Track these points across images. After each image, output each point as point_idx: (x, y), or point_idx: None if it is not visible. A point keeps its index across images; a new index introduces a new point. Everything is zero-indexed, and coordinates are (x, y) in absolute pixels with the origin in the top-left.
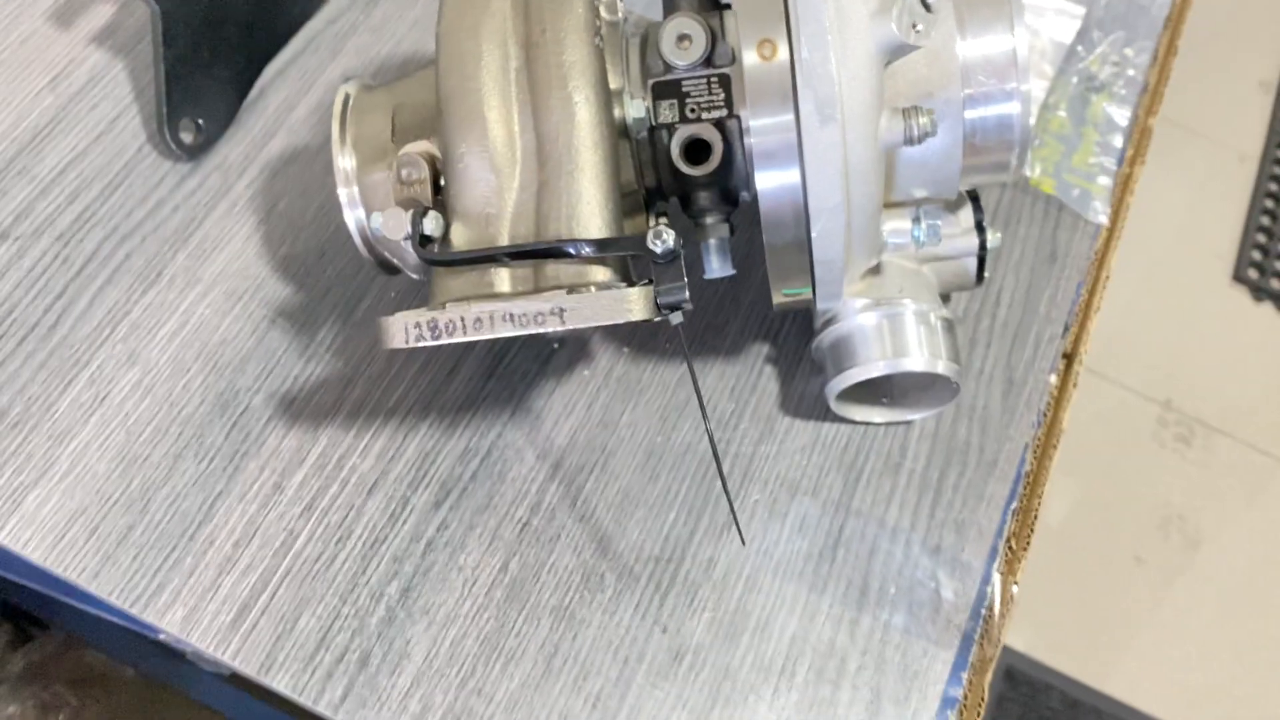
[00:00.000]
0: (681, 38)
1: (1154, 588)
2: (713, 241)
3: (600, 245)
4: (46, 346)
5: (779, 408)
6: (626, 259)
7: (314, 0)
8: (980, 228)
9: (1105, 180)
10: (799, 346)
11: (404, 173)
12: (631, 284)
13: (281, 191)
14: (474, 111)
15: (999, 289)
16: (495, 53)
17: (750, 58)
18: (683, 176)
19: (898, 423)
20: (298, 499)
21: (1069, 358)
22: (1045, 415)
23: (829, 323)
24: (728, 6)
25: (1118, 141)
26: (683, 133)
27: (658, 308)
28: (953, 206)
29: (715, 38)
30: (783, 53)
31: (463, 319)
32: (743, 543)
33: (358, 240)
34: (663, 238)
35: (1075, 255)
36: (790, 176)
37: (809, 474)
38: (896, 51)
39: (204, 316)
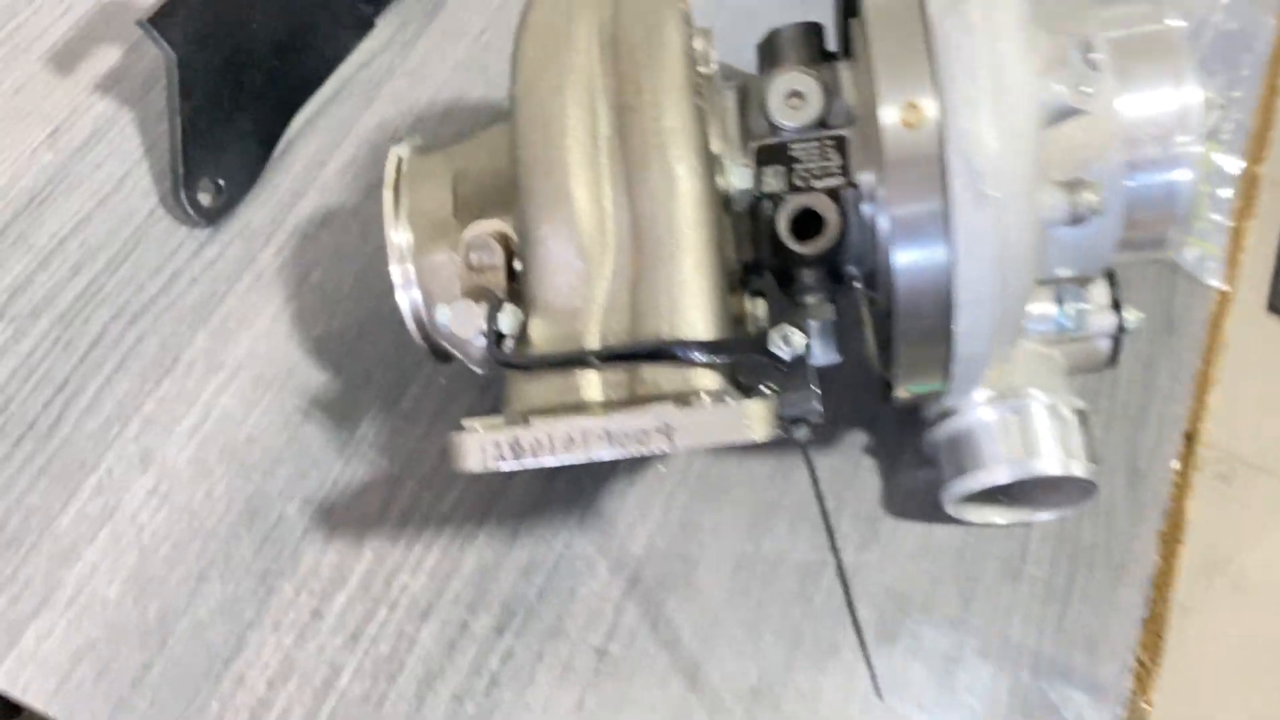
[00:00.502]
0: (792, 95)
1: (1203, 640)
2: (815, 324)
3: (713, 349)
4: (47, 448)
5: (881, 506)
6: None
7: (344, 42)
8: (1117, 305)
9: (1220, 238)
10: (899, 433)
11: (474, 257)
12: (747, 390)
13: (314, 260)
14: (559, 186)
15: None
16: (583, 117)
17: (889, 118)
18: (787, 252)
19: (1019, 523)
20: (340, 626)
21: (1189, 438)
22: (1169, 505)
23: (945, 415)
24: (835, 56)
25: (1227, 194)
26: (792, 204)
27: (782, 422)
28: (1083, 280)
29: (830, 95)
30: (929, 116)
31: (550, 437)
32: (879, 697)
33: (411, 325)
34: (790, 340)
35: (1193, 324)
36: (933, 259)
37: (920, 585)
38: (1059, 115)
39: (228, 409)
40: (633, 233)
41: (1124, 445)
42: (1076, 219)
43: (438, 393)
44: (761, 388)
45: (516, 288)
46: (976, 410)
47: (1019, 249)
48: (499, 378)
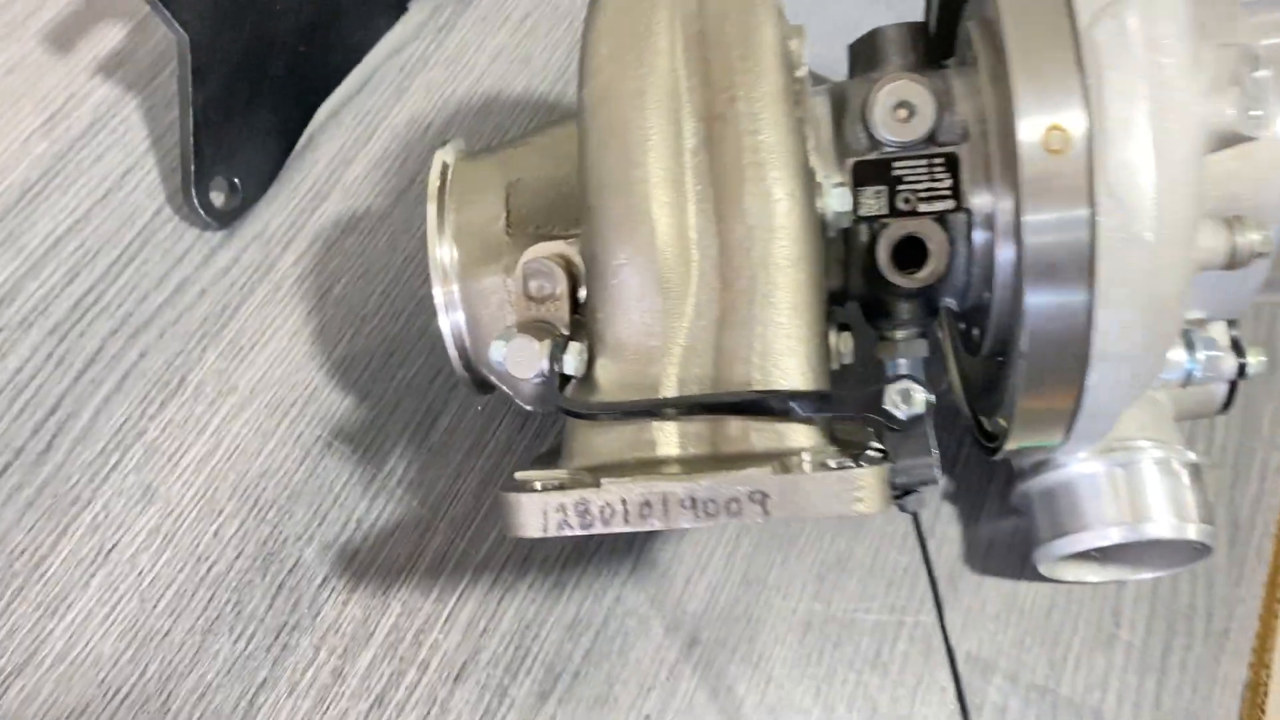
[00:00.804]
0: (900, 105)
1: None
2: (904, 362)
3: (815, 402)
4: (36, 479)
5: (963, 561)
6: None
7: (375, 27)
8: (1238, 347)
9: None
10: (980, 480)
11: (533, 285)
12: (845, 447)
13: (338, 271)
14: (637, 208)
15: None
16: (666, 128)
17: (1030, 137)
18: (884, 283)
19: (1115, 582)
20: (364, 690)
21: None
22: (1273, 563)
23: (1042, 465)
24: (944, 65)
25: None
26: (894, 229)
27: (894, 491)
28: (1205, 321)
29: (943, 107)
30: (1076, 139)
31: (625, 503)
32: None
33: (453, 353)
34: (910, 398)
35: None
36: (1069, 303)
37: (1005, 650)
38: (1223, 142)
39: (241, 438)
40: (721, 264)
41: (1223, 496)
42: (1236, 263)
43: (474, 423)
44: (868, 447)
45: (580, 320)
46: (1079, 462)
47: (1169, 296)
48: (549, 414)
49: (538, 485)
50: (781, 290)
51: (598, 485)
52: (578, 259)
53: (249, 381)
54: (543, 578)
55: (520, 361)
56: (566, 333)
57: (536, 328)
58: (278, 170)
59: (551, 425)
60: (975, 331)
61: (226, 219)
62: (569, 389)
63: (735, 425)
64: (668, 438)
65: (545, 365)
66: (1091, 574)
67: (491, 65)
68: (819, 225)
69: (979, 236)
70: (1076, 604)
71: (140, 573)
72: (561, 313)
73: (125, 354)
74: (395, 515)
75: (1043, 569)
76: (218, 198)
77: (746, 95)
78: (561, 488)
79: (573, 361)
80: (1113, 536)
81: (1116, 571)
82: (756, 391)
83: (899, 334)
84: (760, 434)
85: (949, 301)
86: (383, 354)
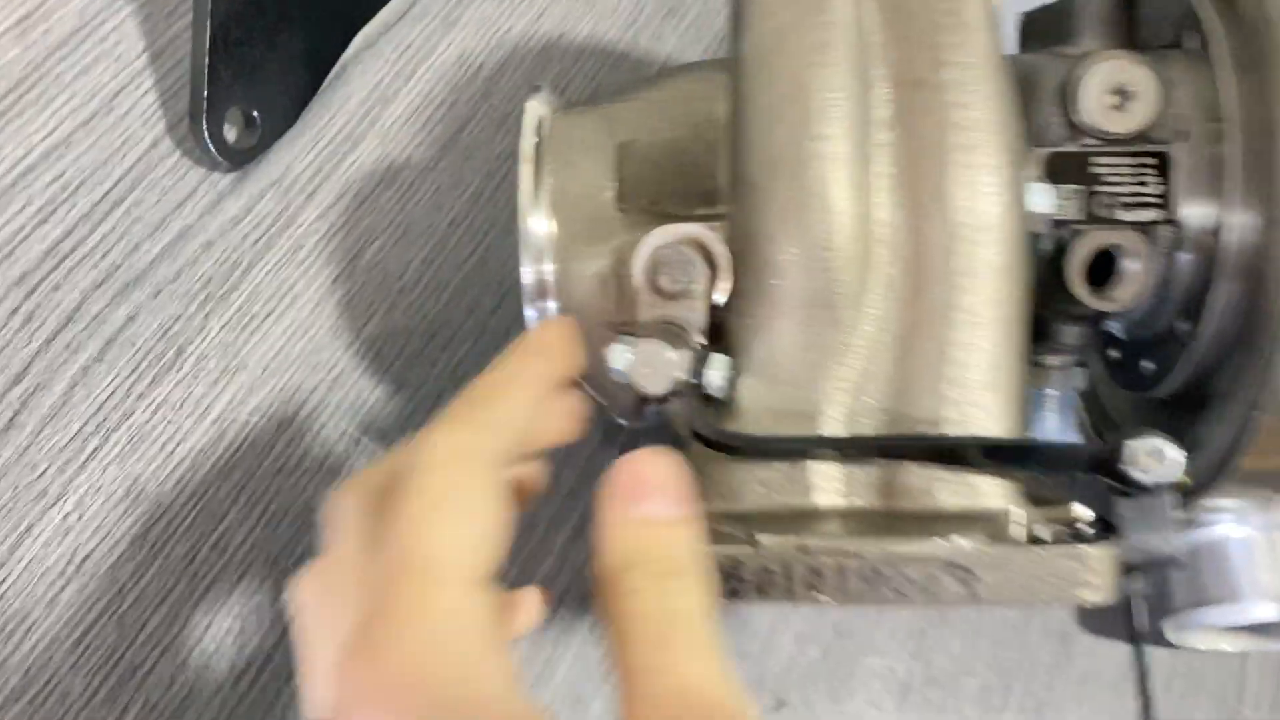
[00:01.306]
0: (1115, 90)
1: None
2: (1055, 394)
3: (1028, 456)
4: None
5: (1074, 619)
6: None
7: None
8: None
9: None
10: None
11: (665, 278)
12: (1059, 518)
13: (371, 231)
14: (814, 192)
15: None
16: (854, 93)
17: None
18: (1061, 300)
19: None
20: None
21: None
22: None
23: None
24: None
25: None
26: (1091, 240)
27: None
28: None
29: (1165, 96)
30: None
31: (788, 571)
32: None
33: None
34: (1162, 455)
35: None
36: None
37: None
38: None
39: (249, 428)
40: (912, 268)
41: None
42: None
43: None
44: (1072, 512)
45: (718, 325)
46: (1226, 522)
47: None
48: (650, 428)
49: None
50: (986, 305)
51: (753, 543)
52: (719, 248)
53: (261, 359)
54: None
55: (650, 373)
56: (703, 340)
57: (666, 331)
58: (303, 105)
59: (631, 432)
60: (1148, 365)
61: (240, 158)
62: (707, 412)
63: (916, 474)
64: (828, 483)
65: (682, 378)
66: (1225, 643)
67: (552, 4)
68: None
69: (1183, 256)
70: (1196, 675)
71: (121, 589)
72: (697, 314)
73: (110, 315)
74: None
75: (1171, 635)
76: (231, 132)
77: (956, 58)
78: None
79: (719, 378)
80: (1272, 612)
81: (1248, 642)
82: (955, 437)
83: (1056, 360)
84: (947, 487)
85: (1114, 326)
86: (423, 334)
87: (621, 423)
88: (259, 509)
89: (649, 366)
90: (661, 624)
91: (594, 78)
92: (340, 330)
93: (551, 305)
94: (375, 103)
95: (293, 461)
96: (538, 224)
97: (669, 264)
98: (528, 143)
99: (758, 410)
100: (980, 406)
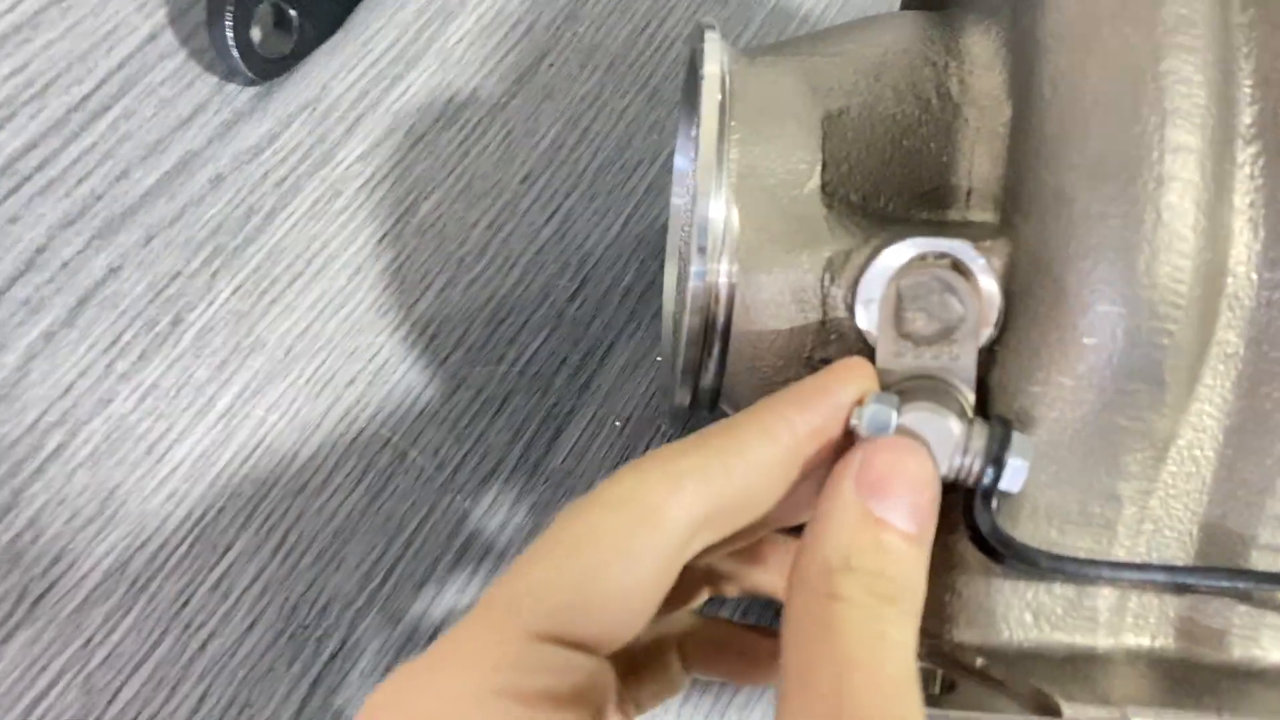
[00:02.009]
0: None
1: None
2: None
3: None
4: None
5: None
6: None
7: None
8: None
9: None
10: None
11: (919, 315)
12: None
13: (426, 180)
14: (1159, 221)
15: None
16: (1215, 93)
17: None
18: None
19: None
20: None
21: None
22: None
23: None
24: None
25: None
26: None
27: None
28: None
29: None
30: None
31: None
32: None
33: (687, 368)
34: None
35: None
36: None
37: None
38: None
39: (266, 428)
40: (1261, 340)
41: None
42: None
43: (614, 443)
44: None
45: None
46: None
47: None
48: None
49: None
50: None
51: (1054, 711)
52: (986, 278)
53: (282, 337)
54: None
55: (931, 449)
56: (970, 398)
57: (934, 390)
58: (350, 8)
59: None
60: None
61: (267, 69)
62: (987, 508)
63: (1238, 614)
64: (1118, 618)
65: (963, 463)
66: None
67: None
68: None
69: None
70: None
71: (88, 642)
72: (963, 367)
73: (85, 264)
74: (491, 577)
75: None
76: (258, 32)
77: None
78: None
79: (1022, 468)
80: None
81: None
82: None
83: None
84: (1273, 635)
85: None
86: (487, 319)
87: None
88: (275, 538)
89: (933, 440)
90: (863, 646)
91: (730, 18)
92: (385, 307)
93: (719, 314)
94: (436, 14)
95: (319, 478)
96: (717, 207)
97: (924, 296)
98: (711, 99)
99: (1038, 510)
100: None
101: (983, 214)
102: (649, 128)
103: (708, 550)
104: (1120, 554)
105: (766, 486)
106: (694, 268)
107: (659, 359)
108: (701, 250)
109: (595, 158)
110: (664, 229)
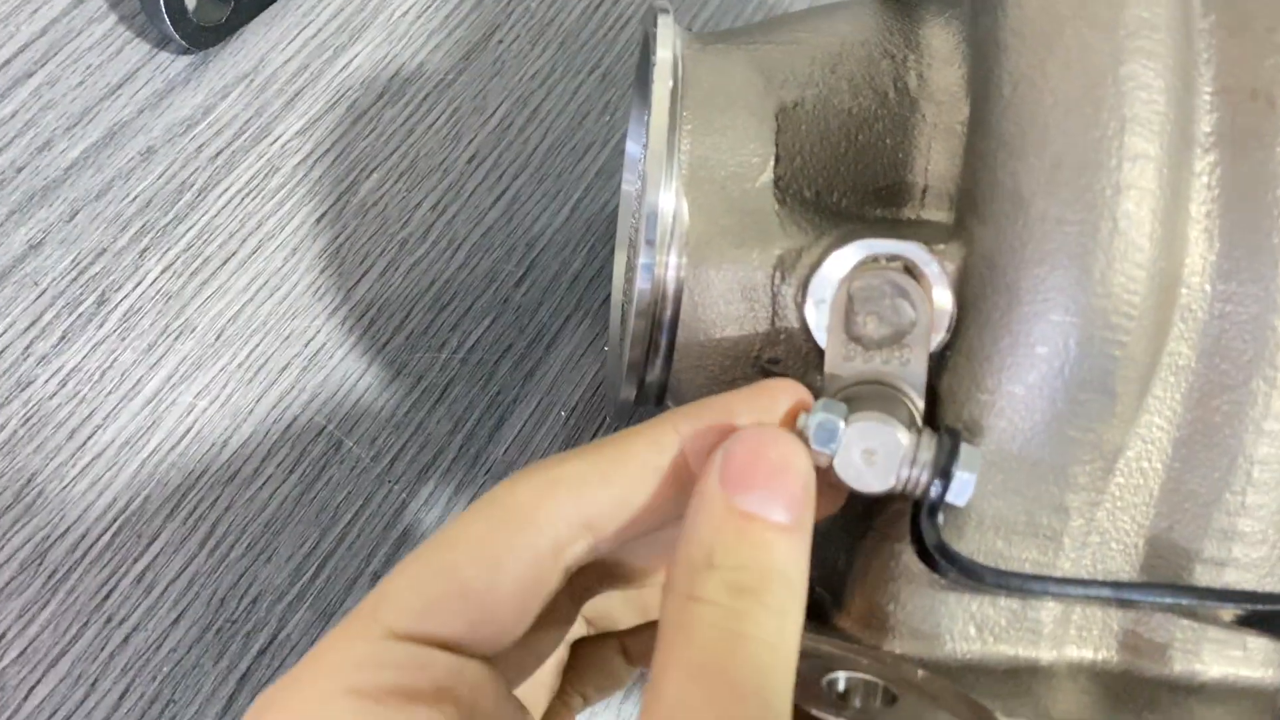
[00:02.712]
0: None
1: None
2: None
3: None
4: None
5: None
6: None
7: None
8: None
9: None
10: None
11: (870, 319)
12: None
13: (369, 158)
14: (1115, 230)
15: None
16: (1175, 99)
17: None
18: None
19: None
20: None
21: None
22: None
23: None
24: None
25: None
26: None
27: None
28: None
29: None
30: None
31: None
32: None
33: (634, 362)
34: None
35: None
36: None
37: None
38: None
39: (195, 416)
40: (1213, 352)
41: None
42: None
43: (558, 432)
44: None
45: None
46: None
47: None
48: None
49: (843, 685)
50: None
51: None
52: (939, 281)
53: (213, 320)
54: None
55: (872, 460)
56: (919, 405)
57: (881, 395)
58: None
59: None
60: None
61: (202, 37)
62: (933, 522)
63: (1180, 628)
64: (1060, 629)
65: (910, 475)
66: None
67: None
68: None
69: None
70: None
71: (2, 637)
72: (912, 373)
73: (4, 239)
74: None
75: None
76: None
77: None
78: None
79: (966, 482)
80: None
81: None
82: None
83: None
84: (1214, 650)
85: None
86: (429, 304)
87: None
88: (203, 529)
89: (870, 451)
90: (714, 649)
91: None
92: (323, 290)
93: (666, 312)
94: None
95: (251, 466)
96: (666, 200)
97: (874, 300)
98: (663, 86)
99: (984, 520)
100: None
101: (938, 213)
102: (601, 109)
103: (608, 575)
104: (1066, 566)
105: (651, 495)
106: (641, 260)
107: (606, 349)
108: (650, 242)
109: (545, 139)
110: (614, 215)
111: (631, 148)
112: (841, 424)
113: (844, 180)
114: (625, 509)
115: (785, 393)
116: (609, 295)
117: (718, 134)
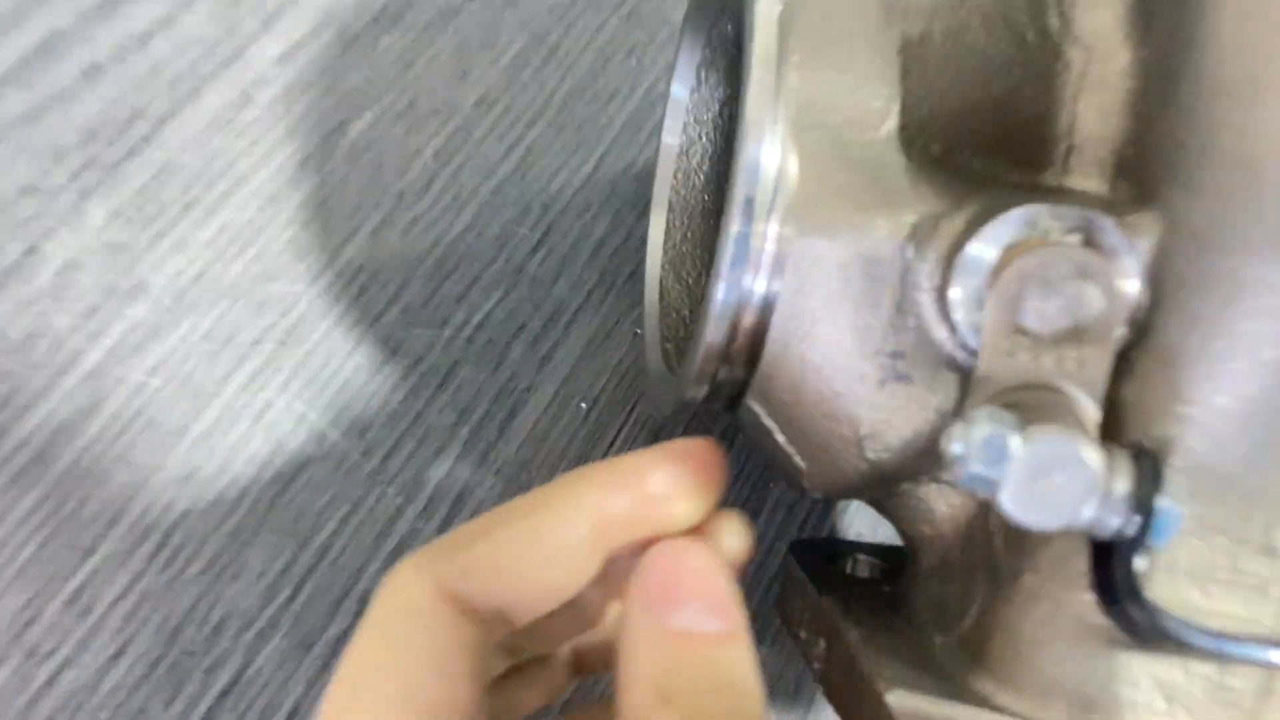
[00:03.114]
0: None
1: None
2: None
3: None
4: None
5: None
6: None
7: None
8: None
9: None
10: None
11: (1036, 307)
12: None
13: (360, 95)
14: None
15: None
16: None
17: None
18: None
19: None
20: None
21: None
22: None
23: None
24: None
25: None
26: None
27: None
28: None
29: None
30: None
31: None
32: None
33: (712, 349)
34: None
35: None
36: None
37: None
38: None
39: (149, 395)
40: None
41: None
42: None
43: (576, 428)
44: None
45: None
46: None
47: None
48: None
49: None
50: None
51: None
52: (1129, 260)
53: (171, 280)
54: None
55: (1046, 491)
56: (1095, 418)
57: (1054, 406)
58: None
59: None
60: None
61: None
62: (1130, 570)
63: None
64: (1260, 704)
65: (1099, 511)
66: None
67: None
68: None
69: None
70: None
71: None
72: (1090, 377)
73: None
74: None
75: None
76: None
77: None
78: None
79: (1174, 517)
80: None
81: None
82: None
83: None
84: None
85: None
86: (429, 271)
87: (805, 487)
88: (153, 539)
89: (1050, 477)
90: None
91: None
92: (304, 249)
93: (758, 287)
94: None
95: (215, 463)
96: (769, 154)
97: (1051, 281)
98: (769, 7)
99: (1177, 567)
100: None
101: (1086, 180)
102: (627, 51)
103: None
104: (1268, 622)
105: (564, 576)
106: (735, 228)
107: (638, 331)
108: (749, 204)
109: (564, 82)
110: (645, 174)
111: (677, 91)
112: (1015, 440)
113: (975, 135)
114: (537, 591)
115: (698, 454)
116: (637, 267)
117: (833, 70)
